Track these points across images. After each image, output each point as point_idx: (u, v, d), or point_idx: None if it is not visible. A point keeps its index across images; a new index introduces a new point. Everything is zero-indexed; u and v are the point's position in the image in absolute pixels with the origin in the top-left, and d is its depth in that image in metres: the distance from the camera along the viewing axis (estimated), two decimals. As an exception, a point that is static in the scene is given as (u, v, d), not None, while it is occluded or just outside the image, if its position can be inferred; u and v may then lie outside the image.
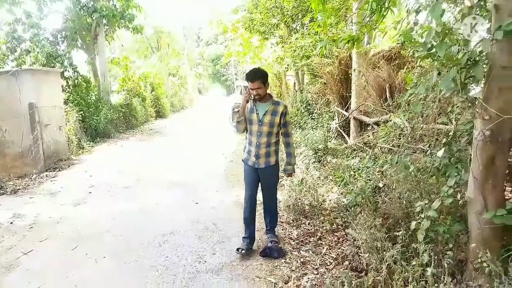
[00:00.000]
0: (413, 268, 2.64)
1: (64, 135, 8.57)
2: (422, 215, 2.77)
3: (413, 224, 2.82)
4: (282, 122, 3.57)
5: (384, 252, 2.92)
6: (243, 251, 3.61)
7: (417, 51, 2.63)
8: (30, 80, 7.24)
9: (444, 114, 3.20)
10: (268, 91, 3.61)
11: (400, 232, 2.98)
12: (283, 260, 3.46)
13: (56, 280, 3.28)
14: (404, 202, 3.44)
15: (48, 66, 9.74)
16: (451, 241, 2.74)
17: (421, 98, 3.62)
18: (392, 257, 2.79)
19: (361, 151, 6.32)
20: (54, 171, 7.37)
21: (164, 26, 24.90)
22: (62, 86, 9.54)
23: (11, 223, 4.62)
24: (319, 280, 3.08)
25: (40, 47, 10.24)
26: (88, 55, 13.11)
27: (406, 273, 2.64)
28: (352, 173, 5.27)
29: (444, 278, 2.43)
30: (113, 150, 9.87)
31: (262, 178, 3.70)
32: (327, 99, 9.32)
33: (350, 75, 7.82)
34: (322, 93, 9.54)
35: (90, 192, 5.93)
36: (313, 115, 9.61)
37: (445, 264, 2.52)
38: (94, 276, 3.35)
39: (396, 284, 2.64)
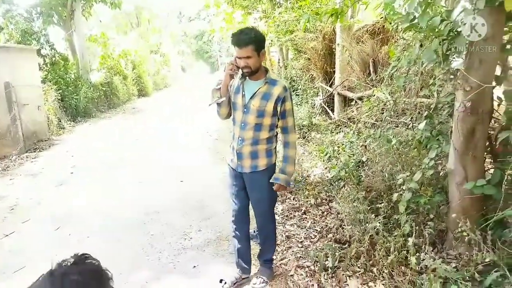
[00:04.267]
0: (395, 238, 2.70)
1: (43, 115, 8.35)
2: (404, 187, 2.80)
3: (395, 196, 2.86)
4: (280, 110, 2.48)
5: (367, 224, 2.97)
6: (225, 284, 2.76)
7: (401, 23, 2.60)
8: (4, 58, 6.97)
9: (426, 87, 3.20)
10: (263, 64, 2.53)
11: (382, 204, 3.02)
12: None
13: (38, 261, 3.23)
14: (386, 175, 3.48)
15: (23, 43, 9.37)
16: (432, 212, 2.80)
17: (403, 72, 3.61)
18: (375, 228, 2.84)
19: (345, 126, 6.35)
20: (35, 151, 7.21)
21: (144, 1, 24.18)
22: (39, 65, 9.24)
23: (-9, 205, 4.53)
24: (303, 252, 3.13)
25: (14, 23, 9.82)
26: (65, 32, 12.64)
27: (388, 244, 2.70)
28: (336, 148, 5.31)
29: (425, 247, 2.49)
30: (94, 130, 9.67)
31: (249, 188, 2.66)
32: (311, 75, 9.27)
33: (334, 50, 7.75)
34: (306, 69, 9.46)
35: (72, 173, 5.83)
36: (298, 91, 9.57)
37: (426, 234, 2.58)
38: (79, 255, 3.32)
39: (378, 254, 2.69)
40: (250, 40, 2.32)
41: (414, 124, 3.40)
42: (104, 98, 13.27)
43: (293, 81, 10.12)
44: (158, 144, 7.64)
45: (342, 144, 5.27)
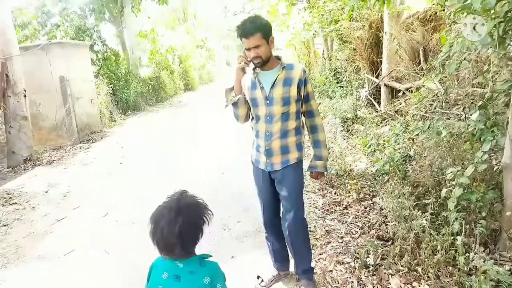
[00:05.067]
0: (443, 237, 2.54)
1: (96, 108, 8.80)
2: (454, 183, 2.62)
3: (444, 192, 2.69)
4: (302, 94, 2.33)
5: (412, 221, 2.81)
6: (262, 282, 2.67)
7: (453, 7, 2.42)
8: (60, 53, 7.40)
9: (481, 75, 2.96)
10: (274, 53, 2.36)
11: (430, 201, 2.85)
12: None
13: (87, 245, 3.42)
14: (435, 169, 3.28)
15: (77, 39, 9.89)
16: (485, 209, 2.59)
17: (456, 59, 3.37)
18: (421, 225, 2.69)
19: (392, 119, 6.08)
20: (88, 143, 7.62)
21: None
22: (92, 60, 9.71)
23: (46, 192, 4.85)
24: (343, 248, 3.03)
25: (69, 21, 10.41)
26: (116, 28, 13.22)
27: (435, 242, 2.54)
28: (381, 141, 5.10)
29: (475, 247, 2.32)
30: (144, 123, 10.05)
31: (279, 186, 2.44)
32: (356, 66, 8.97)
33: (381, 39, 7.43)
34: (351, 59, 9.17)
35: (121, 163, 6.10)
36: (342, 83, 9.31)
37: (477, 234, 2.40)
38: (123, 242, 3.46)
39: (424, 253, 2.55)
40: (257, 27, 2.17)
41: (466, 115, 3.17)
42: (153, 92, 13.76)
43: (338, 72, 9.85)
44: (202, 136, 7.78)
45: (387, 137, 5.05)
